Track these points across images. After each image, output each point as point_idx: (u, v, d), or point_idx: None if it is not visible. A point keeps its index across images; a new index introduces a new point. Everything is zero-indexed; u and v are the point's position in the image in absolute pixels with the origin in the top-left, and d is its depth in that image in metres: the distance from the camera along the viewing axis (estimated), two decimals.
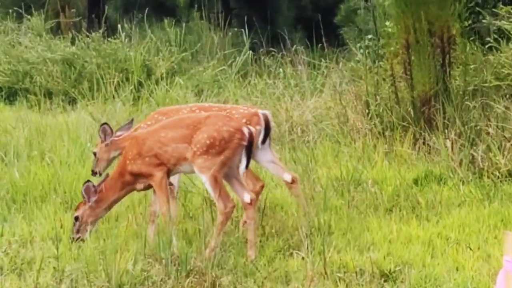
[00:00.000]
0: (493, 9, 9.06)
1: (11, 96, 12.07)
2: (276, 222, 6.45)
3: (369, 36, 10.11)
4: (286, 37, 11.40)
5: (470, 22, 9.01)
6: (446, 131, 8.05)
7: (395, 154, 8.16)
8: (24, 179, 7.33)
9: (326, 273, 5.52)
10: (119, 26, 12.56)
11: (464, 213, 6.76)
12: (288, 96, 9.76)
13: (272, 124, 6.55)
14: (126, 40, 12.27)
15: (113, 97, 10.65)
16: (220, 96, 10.52)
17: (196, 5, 13.54)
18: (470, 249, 5.99)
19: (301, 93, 10.06)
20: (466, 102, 8.29)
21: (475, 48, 8.82)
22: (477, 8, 9.12)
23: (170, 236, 5.66)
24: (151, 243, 5.80)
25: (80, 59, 12.06)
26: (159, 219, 6.08)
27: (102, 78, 11.01)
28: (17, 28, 13.83)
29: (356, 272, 5.56)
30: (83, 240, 5.96)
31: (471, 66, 8.62)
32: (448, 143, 7.86)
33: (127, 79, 11.21)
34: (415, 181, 7.50)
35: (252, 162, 6.17)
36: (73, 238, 5.99)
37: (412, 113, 8.47)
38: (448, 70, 8.42)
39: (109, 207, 6.15)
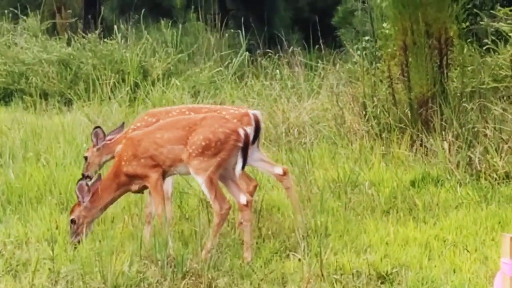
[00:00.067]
0: (491, 11, 9.06)
1: (6, 97, 12.05)
2: (272, 224, 6.44)
3: (366, 38, 10.10)
4: (283, 39, 11.38)
5: (467, 23, 9.00)
6: (443, 133, 8.04)
7: (392, 156, 8.15)
8: (20, 180, 7.31)
9: (322, 275, 5.50)
10: (115, 27, 12.54)
11: (461, 215, 6.74)
12: (285, 97, 9.74)
13: (262, 124, 6.52)
14: (122, 41, 12.25)
15: (109, 98, 10.63)
16: (217, 97, 10.52)
17: (192, 6, 13.52)
18: (467, 251, 5.97)
19: (298, 94, 10.05)
20: (464, 104, 8.28)
21: (473, 50, 8.82)
22: (475, 10, 9.12)
23: (166, 238, 5.64)
24: (147, 245, 5.79)
25: (76, 60, 12.05)
26: (155, 220, 6.06)
27: (98, 79, 10.99)
28: (13, 29, 13.82)
29: (353, 274, 5.54)
30: (79, 242, 5.94)
31: (469, 68, 8.61)
32: (446, 145, 7.85)
33: (123, 80, 11.20)
34: (412, 183, 7.48)
35: None
36: (72, 242, 5.96)
37: (409, 114, 8.46)
38: (445, 71, 8.41)
39: (105, 208, 6.13)
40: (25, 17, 14.18)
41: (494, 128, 7.88)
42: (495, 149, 7.66)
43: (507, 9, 9.08)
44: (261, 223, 6.41)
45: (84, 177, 6.42)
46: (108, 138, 6.55)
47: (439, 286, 5.43)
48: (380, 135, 8.46)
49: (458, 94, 8.38)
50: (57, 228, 6.31)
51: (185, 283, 5.33)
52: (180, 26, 12.51)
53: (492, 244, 6.11)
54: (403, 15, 8.33)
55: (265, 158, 6.59)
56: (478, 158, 7.62)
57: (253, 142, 6.33)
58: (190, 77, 11.57)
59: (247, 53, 11.77)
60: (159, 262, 5.46)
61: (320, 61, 10.90)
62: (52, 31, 14.14)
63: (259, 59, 11.47)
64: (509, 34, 8.84)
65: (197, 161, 5.79)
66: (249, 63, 11.68)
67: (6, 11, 14.16)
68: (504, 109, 8.15)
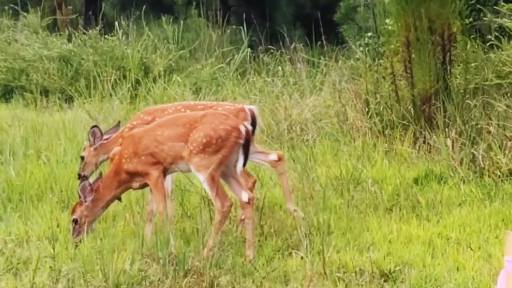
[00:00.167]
0: (494, 7, 9.01)
1: (7, 94, 12.02)
2: (275, 222, 6.42)
3: (369, 34, 10.06)
4: (285, 35, 11.36)
5: (471, 19, 8.96)
6: (446, 129, 8.02)
7: (395, 153, 8.12)
8: (20, 177, 7.30)
9: (325, 273, 5.49)
10: (116, 23, 12.52)
11: (464, 212, 6.72)
12: (287, 94, 9.72)
13: (258, 120, 6.51)
14: (123, 37, 12.23)
15: (110, 95, 10.62)
16: (219, 94, 10.50)
17: (194, 2, 13.50)
18: (471, 249, 5.95)
19: (300, 91, 10.03)
20: (467, 101, 8.24)
21: (476, 46, 8.77)
22: (478, 6, 9.08)
23: (168, 236, 5.62)
24: (149, 243, 5.77)
25: (77, 56, 12.02)
26: (156, 218, 6.04)
27: (99, 76, 10.97)
28: (13, 25, 13.79)
29: (355, 272, 5.53)
30: (81, 241, 5.92)
31: (472, 64, 8.57)
32: (449, 142, 7.82)
33: (124, 77, 11.18)
34: (415, 180, 7.46)
35: None
36: (74, 240, 5.95)
37: (412, 111, 8.44)
38: (448, 68, 8.38)
39: (106, 206, 6.12)
40: (25, 14, 14.16)
41: (498, 125, 7.85)
42: (499, 146, 7.62)
43: (510, 5, 9.02)
44: (263, 220, 6.39)
45: (80, 177, 6.40)
46: (104, 137, 6.53)
47: (442, 284, 5.41)
48: (383, 132, 8.43)
49: (462, 91, 8.35)
50: (58, 226, 6.30)
51: (187, 281, 5.31)
52: (182, 22, 12.48)
53: (495, 242, 6.10)
54: (406, 11, 8.30)
55: (260, 149, 6.60)
56: (482, 155, 7.58)
57: None
58: (191, 74, 11.55)
59: (249, 49, 11.75)
60: (161, 260, 5.45)
61: (322, 58, 10.88)
62: (53, 28, 14.10)
63: (261, 55, 11.44)
64: None
65: (198, 158, 5.77)
66: (251, 59, 11.65)
67: (6, 7, 14.15)
68: (507, 106, 8.12)
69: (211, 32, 12.49)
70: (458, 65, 8.58)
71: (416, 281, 5.41)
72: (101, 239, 5.93)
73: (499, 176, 7.40)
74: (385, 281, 5.50)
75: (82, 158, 6.56)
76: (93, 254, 5.52)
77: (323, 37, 11.06)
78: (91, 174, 6.43)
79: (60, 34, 13.21)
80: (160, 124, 6.04)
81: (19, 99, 11.56)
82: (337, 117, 8.94)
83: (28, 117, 9.64)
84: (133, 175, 5.99)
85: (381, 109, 8.66)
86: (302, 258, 5.68)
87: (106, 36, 12.32)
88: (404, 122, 8.37)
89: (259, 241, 6.07)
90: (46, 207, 6.76)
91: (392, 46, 8.82)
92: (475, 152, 7.66)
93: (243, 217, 6.24)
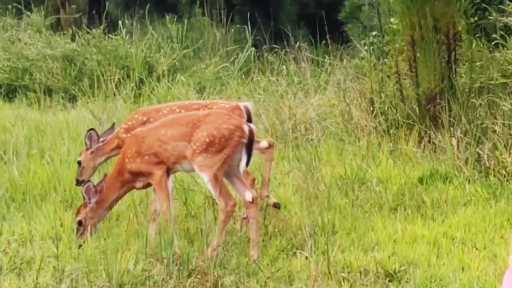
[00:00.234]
0: (500, 6, 8.97)
1: (10, 93, 12.00)
2: (279, 222, 6.40)
3: (374, 33, 10.02)
4: (289, 34, 11.32)
5: (476, 18, 8.91)
6: (451, 129, 7.98)
7: (400, 152, 8.09)
8: (24, 177, 7.29)
9: (330, 273, 5.49)
10: (120, 22, 12.49)
11: (470, 212, 6.70)
12: (291, 93, 9.69)
13: (253, 117, 6.52)
14: (127, 36, 12.19)
15: (114, 94, 10.61)
16: (223, 93, 10.49)
17: (198, 1, 13.47)
18: (476, 248, 5.94)
19: (304, 90, 10.00)
20: (472, 100, 8.20)
21: (481, 45, 8.73)
22: (483, 5, 9.03)
23: (172, 235, 5.60)
24: (152, 243, 5.77)
25: (81, 55, 11.99)
26: (160, 218, 6.03)
27: (103, 75, 10.96)
28: (17, 25, 13.78)
29: (360, 272, 5.52)
30: (84, 241, 5.91)
31: (477, 63, 8.53)
32: (454, 141, 7.79)
33: (128, 76, 11.16)
34: (420, 180, 7.43)
35: None
36: (78, 240, 5.95)
37: (417, 110, 8.40)
38: (453, 67, 8.34)
39: (110, 207, 6.12)
40: (29, 13, 14.14)
41: (503, 124, 7.82)
42: (504, 145, 7.59)
43: None
44: (268, 220, 6.38)
45: (78, 182, 6.39)
46: (100, 140, 6.53)
47: (447, 284, 5.40)
48: (388, 131, 8.39)
49: (467, 90, 8.31)
50: (61, 225, 6.28)
51: (191, 281, 5.31)
52: (186, 21, 12.46)
53: (501, 242, 6.08)
54: (411, 9, 8.27)
55: None
56: (487, 154, 7.55)
57: None
58: (195, 73, 11.52)
59: (253, 48, 11.72)
60: (165, 260, 5.44)
61: (327, 57, 10.85)
62: (56, 27, 14.09)
63: (265, 54, 11.41)
64: None
65: (201, 158, 5.77)
66: (255, 58, 11.62)
67: (9, 6, 14.12)
68: None
69: (215, 31, 12.46)
70: (463, 64, 8.54)
71: (421, 281, 5.40)
72: (104, 239, 5.93)
73: (505, 176, 7.37)
74: (390, 281, 5.49)
75: (79, 163, 6.56)
76: (97, 254, 5.52)
77: (327, 36, 11.03)
78: (89, 178, 6.40)
79: (63, 33, 13.18)
80: (163, 123, 6.03)
81: (23, 99, 11.54)
82: (341, 117, 8.91)
83: (31, 116, 9.62)
84: (136, 175, 5.99)
85: (386, 108, 8.62)
86: (306, 258, 5.67)
87: (110, 35, 12.28)
88: (409, 121, 8.34)
89: (263, 241, 6.06)
90: (49, 207, 6.75)
91: (397, 45, 8.79)
92: (481, 152, 7.62)
93: (244, 215, 6.26)
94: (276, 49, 11.49)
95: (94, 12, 13.93)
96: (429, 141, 8.12)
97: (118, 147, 6.49)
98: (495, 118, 7.92)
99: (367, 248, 5.97)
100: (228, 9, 12.50)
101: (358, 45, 10.03)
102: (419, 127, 8.25)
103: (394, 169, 7.62)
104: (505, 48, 8.66)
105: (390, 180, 7.36)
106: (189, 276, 5.33)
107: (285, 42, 11.27)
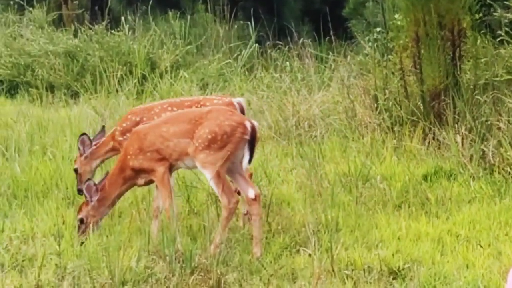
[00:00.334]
0: (505, 2, 8.93)
1: (12, 89, 11.97)
2: (282, 219, 6.39)
3: (378, 29, 10.00)
4: (293, 30, 11.30)
5: (481, 15, 8.87)
6: (456, 126, 7.95)
7: (404, 149, 8.06)
8: (26, 174, 7.26)
9: (333, 270, 5.47)
10: (122, 18, 12.45)
11: (474, 209, 6.67)
12: (295, 90, 9.67)
13: (246, 112, 6.51)
14: (130, 32, 12.16)
15: (117, 90, 10.58)
16: (226, 89, 10.47)
17: None
18: (481, 246, 5.91)
19: (308, 87, 9.97)
20: (477, 97, 8.18)
21: (486, 42, 8.71)
22: (488, 1, 8.98)
23: (174, 233, 5.59)
24: (155, 240, 5.76)
25: (83, 52, 11.96)
26: (162, 215, 6.02)
27: (105, 71, 10.93)
28: (19, 20, 13.74)
29: (364, 270, 5.51)
30: (86, 238, 5.91)
31: (482, 60, 8.50)
32: (458, 138, 7.76)
33: (131, 72, 11.13)
34: (425, 177, 7.40)
35: None
36: (79, 238, 5.94)
37: (421, 107, 8.37)
38: (458, 63, 8.32)
39: (112, 205, 6.11)
40: (31, 8, 14.10)
41: (508, 121, 7.80)
42: (509, 142, 7.57)
43: None
44: (271, 217, 6.36)
45: (79, 191, 6.38)
46: (92, 144, 6.55)
47: (451, 282, 5.38)
48: (392, 128, 8.37)
49: (471, 87, 8.28)
50: (63, 223, 6.27)
51: (193, 278, 5.28)
52: (189, 17, 12.43)
53: (505, 239, 6.06)
54: (415, 6, 8.25)
55: None
56: (492, 151, 7.52)
57: None
58: (198, 69, 11.49)
59: (256, 44, 11.69)
60: (167, 258, 5.42)
61: (330, 53, 10.81)
62: (59, 23, 14.03)
63: (268, 51, 11.38)
64: None
65: (203, 155, 5.76)
66: (258, 55, 11.58)
67: (11, 2, 14.09)
68: None
69: (218, 27, 12.42)
70: (468, 61, 8.52)
71: (425, 279, 5.38)
72: (107, 236, 5.91)
73: (509, 173, 7.34)
74: (393, 278, 5.47)
75: (76, 170, 6.57)
76: (99, 251, 5.51)
77: (331, 33, 10.99)
78: None
79: (66, 29, 13.14)
80: (165, 120, 6.02)
81: (25, 95, 11.52)
82: (345, 113, 8.89)
83: (33, 113, 9.61)
84: (138, 172, 5.99)
85: (390, 105, 8.60)
86: (310, 255, 5.64)
87: (112, 31, 12.24)
88: (413, 118, 8.31)
89: (266, 238, 6.04)
90: (51, 204, 6.72)
91: (401, 42, 8.75)
92: (485, 149, 7.60)
93: (245, 211, 6.26)
94: (280, 46, 11.45)
95: (96, 8, 13.88)
96: (433, 138, 8.10)
97: (114, 149, 6.52)
98: (500, 115, 7.90)
99: (371, 246, 5.95)
100: (232, 5, 12.45)
101: (362, 42, 10.00)
102: (423, 124, 8.22)
103: (398, 166, 7.59)
104: (510, 45, 8.63)
105: (394, 177, 7.34)
106: (191, 273, 5.31)
107: (289, 39, 11.24)
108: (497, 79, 8.27)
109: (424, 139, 8.14)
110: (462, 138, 7.76)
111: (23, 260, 5.66)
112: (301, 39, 11.12)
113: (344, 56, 10.61)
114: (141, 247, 5.57)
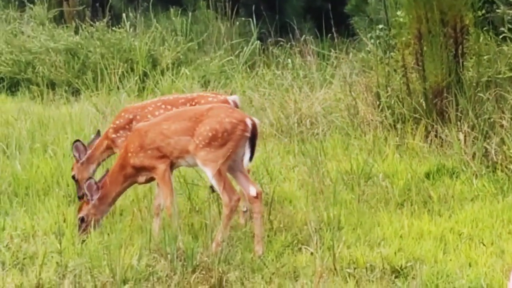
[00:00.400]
0: None
1: (13, 86, 11.94)
2: (284, 217, 6.37)
3: (380, 26, 9.95)
4: (295, 27, 11.26)
5: (483, 11, 8.82)
6: (458, 123, 7.94)
7: (406, 147, 8.04)
8: (26, 172, 7.26)
9: (335, 268, 5.46)
10: (123, 15, 12.42)
11: (477, 207, 6.66)
12: (296, 87, 9.64)
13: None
14: (131, 29, 12.13)
15: (118, 88, 10.57)
16: (227, 87, 10.45)
17: None
18: (483, 244, 5.91)
19: (310, 84, 9.95)
20: (480, 94, 8.14)
21: (489, 39, 8.67)
22: None
23: (176, 231, 5.57)
24: (156, 238, 5.75)
25: (84, 49, 11.93)
26: (163, 212, 6.00)
27: (106, 69, 10.91)
28: (19, 17, 13.73)
29: (366, 268, 5.50)
30: (87, 236, 5.91)
31: (485, 57, 8.47)
32: (461, 136, 7.74)
33: (132, 70, 11.13)
34: (427, 175, 7.38)
35: None
36: (80, 236, 5.93)
37: (424, 105, 8.34)
38: (461, 61, 8.28)
39: (113, 202, 6.10)
40: (31, 5, 14.08)
41: (511, 118, 7.78)
42: None
43: None
44: (273, 215, 6.34)
45: (80, 198, 6.37)
46: (88, 149, 6.58)
47: (454, 280, 5.37)
48: (394, 125, 8.34)
49: (474, 84, 8.25)
50: (64, 221, 6.27)
51: (195, 277, 5.27)
52: (190, 14, 12.40)
53: (508, 238, 6.05)
54: (418, 2, 8.22)
55: None
56: (494, 149, 7.50)
57: None
58: (200, 66, 11.47)
59: (258, 41, 11.66)
60: (169, 256, 5.41)
61: (332, 50, 10.78)
62: (60, 19, 14.00)
63: (270, 48, 11.35)
64: None
65: (204, 152, 5.75)
66: (260, 52, 11.56)
67: None
68: None
69: (220, 24, 12.39)
70: (471, 58, 8.48)
71: (427, 277, 5.37)
72: (108, 234, 5.90)
73: None
74: (396, 277, 5.46)
75: (74, 177, 6.59)
76: (100, 249, 5.51)
77: (333, 29, 10.96)
78: None
79: (67, 26, 13.11)
80: (166, 118, 6.02)
81: (25, 92, 11.50)
82: (347, 111, 8.86)
83: (34, 110, 9.60)
84: (139, 169, 5.99)
85: (392, 102, 8.57)
86: (312, 253, 5.64)
87: (114, 28, 12.21)
88: (416, 115, 8.29)
89: (268, 236, 6.03)
90: (52, 202, 6.71)
91: (403, 39, 8.73)
92: (488, 146, 7.57)
93: (245, 209, 6.25)
94: (282, 43, 11.42)
95: (97, 4, 13.84)
96: (436, 136, 8.08)
97: (108, 147, 6.56)
98: (503, 112, 7.88)
99: (373, 244, 5.94)
100: (233, 2, 12.41)
101: (364, 39, 9.97)
102: (426, 122, 8.20)
103: (400, 164, 7.57)
104: None
105: (396, 175, 7.32)
106: (193, 271, 5.30)
107: (291, 35, 11.20)
108: (500, 76, 8.24)
109: (427, 136, 8.12)
110: (465, 136, 7.74)
111: (24, 258, 5.65)
112: (303, 36, 11.09)
113: (346, 53, 10.59)
114: (143, 245, 5.56)
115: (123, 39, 11.85)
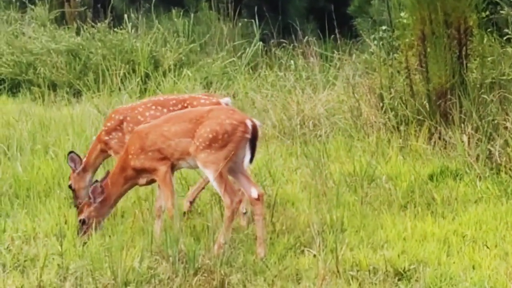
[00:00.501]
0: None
1: (14, 88, 11.94)
2: (286, 219, 6.36)
3: (384, 27, 9.94)
4: (298, 28, 11.25)
5: (487, 13, 8.82)
6: (462, 125, 7.92)
7: (410, 149, 8.03)
8: (28, 173, 7.24)
9: (338, 271, 5.45)
10: (125, 16, 12.41)
11: (481, 210, 6.64)
12: (299, 88, 9.64)
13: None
14: (133, 30, 12.13)
15: (119, 89, 10.57)
16: (230, 88, 10.45)
17: None
18: (487, 247, 5.89)
19: (313, 85, 9.94)
20: (483, 96, 8.13)
21: (493, 40, 8.66)
22: None
23: (178, 233, 5.55)
24: (158, 240, 5.73)
25: (85, 50, 11.92)
26: (165, 214, 5.98)
27: (108, 70, 10.91)
28: (21, 18, 13.72)
29: (369, 271, 5.48)
30: (88, 238, 5.89)
31: (489, 59, 8.46)
32: (465, 138, 7.73)
33: (134, 71, 11.12)
34: (431, 177, 7.36)
35: None
36: (81, 238, 5.92)
37: (427, 106, 8.32)
38: (464, 62, 8.27)
39: (114, 204, 6.09)
40: (33, 6, 14.07)
41: None
42: None
43: None
44: (275, 218, 6.33)
45: (77, 207, 6.35)
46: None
47: (458, 283, 5.36)
48: (398, 127, 8.33)
49: (478, 86, 8.24)
50: (66, 222, 6.26)
51: (197, 279, 5.26)
52: (192, 15, 12.40)
53: None
54: (421, 4, 8.21)
55: None
56: (498, 151, 7.49)
57: None
58: (202, 68, 11.46)
59: (260, 43, 11.65)
60: (171, 258, 5.39)
61: (335, 52, 10.78)
62: (61, 20, 14.01)
63: (273, 49, 11.34)
64: None
65: (204, 154, 5.73)
66: (262, 53, 11.55)
67: (13, 0, 14.08)
68: None
69: (222, 25, 12.38)
70: (475, 60, 8.48)
71: (431, 280, 5.36)
72: (109, 236, 5.89)
73: None
74: (399, 279, 5.45)
75: (70, 187, 6.60)
76: (102, 251, 5.49)
77: (336, 31, 10.95)
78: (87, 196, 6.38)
79: (68, 27, 13.11)
80: (166, 119, 6.01)
81: (27, 93, 11.50)
82: (350, 112, 8.85)
83: (35, 111, 9.58)
84: (140, 171, 5.97)
85: (396, 104, 8.56)
86: (314, 256, 5.62)
87: (115, 29, 12.21)
88: (419, 117, 8.28)
89: (270, 238, 6.01)
90: (53, 203, 6.70)
91: (407, 40, 8.71)
92: (492, 148, 7.56)
93: (244, 210, 6.23)
94: (284, 44, 11.41)
95: (99, 5, 13.83)
96: (439, 138, 8.07)
97: (103, 151, 6.57)
98: (507, 114, 7.87)
99: (376, 246, 5.93)
100: (236, 3, 12.40)
101: (367, 40, 9.96)
102: (429, 123, 8.19)
103: (404, 166, 7.56)
104: None
105: (399, 177, 7.31)
106: (195, 274, 5.29)
107: (293, 37, 11.19)
108: (504, 78, 8.24)
109: (430, 138, 8.11)
110: (469, 138, 7.73)
111: (25, 261, 5.64)
112: (306, 37, 11.08)
113: (349, 54, 10.58)
114: (144, 247, 5.53)
115: (125, 40, 11.84)
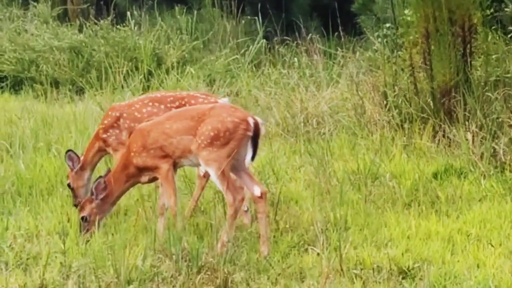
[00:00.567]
0: None
1: (16, 85, 11.93)
2: (290, 217, 6.35)
3: (387, 25, 9.92)
4: (301, 26, 11.25)
5: (492, 10, 8.82)
6: (466, 123, 7.91)
7: (414, 147, 8.02)
8: (30, 171, 7.24)
9: (342, 269, 5.45)
10: (128, 13, 12.40)
11: (485, 208, 6.63)
12: (303, 86, 9.62)
13: None
14: (136, 27, 12.10)
15: (122, 86, 10.56)
16: (233, 86, 10.43)
17: None
18: (492, 245, 5.88)
19: (316, 83, 9.93)
20: (488, 93, 8.11)
21: (497, 38, 8.65)
22: None
23: (181, 231, 5.55)
24: (161, 238, 5.71)
25: (88, 47, 11.91)
26: (168, 212, 5.97)
27: (111, 67, 10.90)
28: (23, 15, 13.70)
29: (373, 269, 5.48)
30: (91, 236, 5.88)
31: (493, 56, 8.45)
32: (469, 136, 7.72)
33: (137, 68, 11.11)
34: (435, 175, 7.35)
35: None
36: (83, 236, 5.90)
37: (431, 104, 8.30)
38: (469, 60, 8.25)
39: (115, 202, 6.09)
40: (35, 3, 14.06)
41: None
42: None
43: None
44: (279, 216, 6.31)
45: (76, 206, 6.34)
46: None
47: (462, 281, 5.35)
48: (402, 125, 8.32)
49: (482, 83, 8.22)
50: (68, 220, 6.27)
51: (200, 277, 5.25)
52: (195, 12, 12.39)
53: None
54: (426, 1, 8.21)
55: None
56: (503, 149, 7.48)
57: None
58: (205, 65, 11.45)
59: (264, 40, 11.63)
60: (174, 256, 5.39)
61: (339, 49, 10.76)
62: (64, 18, 13.98)
63: (276, 46, 11.34)
64: None
65: (206, 152, 5.72)
66: (266, 50, 11.54)
67: None
68: None
69: (226, 23, 12.37)
70: (479, 57, 8.46)
71: (435, 278, 5.35)
72: (112, 234, 5.89)
73: None
74: (403, 278, 5.44)
75: (69, 185, 6.60)
76: (105, 249, 5.48)
77: (340, 28, 10.93)
78: (86, 195, 6.38)
79: (71, 25, 13.09)
80: (168, 117, 6.00)
81: (29, 91, 11.49)
82: (354, 110, 8.83)
83: (38, 109, 9.57)
84: (142, 169, 5.97)
85: (400, 102, 8.54)
86: (318, 254, 5.61)
87: (118, 27, 12.19)
88: (423, 115, 8.26)
89: (274, 237, 6.01)
90: (56, 201, 6.70)
91: (411, 37, 8.70)
92: (496, 146, 7.55)
93: (245, 208, 6.22)
94: (288, 41, 11.39)
95: (102, 3, 13.82)
96: (443, 136, 8.05)
97: (101, 149, 6.56)
98: (511, 112, 7.82)
99: (380, 245, 5.92)
100: (239, 0, 12.39)
101: (371, 37, 9.96)
102: (433, 121, 8.18)
103: (408, 164, 7.54)
104: None
105: (403, 175, 7.29)
106: (198, 272, 5.28)
107: (297, 34, 11.17)
108: (508, 75, 8.23)
109: (434, 136, 8.10)
110: (473, 136, 7.72)
111: (27, 259, 5.63)
112: (310, 34, 11.07)
113: (353, 52, 10.56)
114: (147, 246, 5.53)
115: (128, 37, 11.83)
